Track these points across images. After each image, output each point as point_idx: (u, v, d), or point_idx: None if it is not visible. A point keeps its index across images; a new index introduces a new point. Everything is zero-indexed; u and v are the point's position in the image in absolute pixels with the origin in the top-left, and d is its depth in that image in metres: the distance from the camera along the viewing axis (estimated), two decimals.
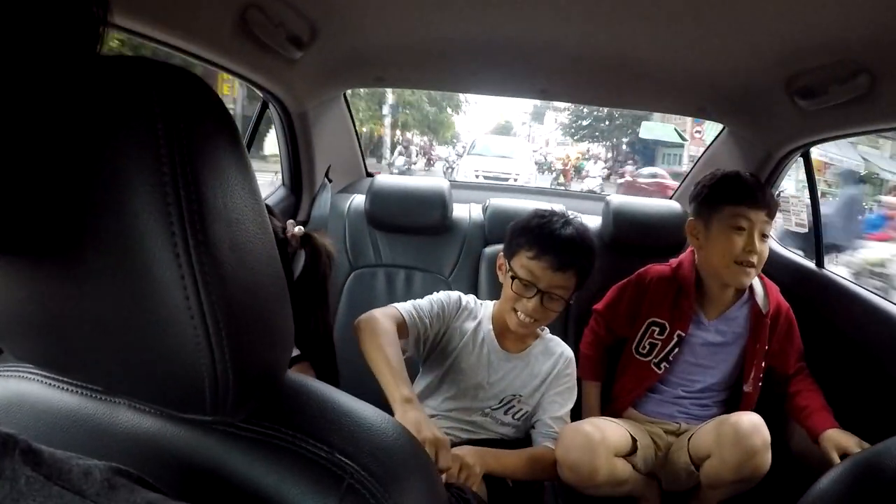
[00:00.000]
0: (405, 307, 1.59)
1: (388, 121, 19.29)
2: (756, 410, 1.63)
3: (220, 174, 0.48)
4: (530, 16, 1.48)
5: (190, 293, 0.46)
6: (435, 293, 1.68)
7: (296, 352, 1.43)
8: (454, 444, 1.55)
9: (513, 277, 1.57)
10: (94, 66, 0.45)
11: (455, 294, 1.70)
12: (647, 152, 24.20)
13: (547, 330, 1.73)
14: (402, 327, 1.55)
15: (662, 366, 1.79)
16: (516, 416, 1.65)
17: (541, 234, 1.56)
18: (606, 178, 19.09)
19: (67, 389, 0.58)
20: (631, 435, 1.65)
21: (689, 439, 1.66)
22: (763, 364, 1.78)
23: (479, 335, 1.66)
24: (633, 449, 1.65)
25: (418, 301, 1.64)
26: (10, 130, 0.41)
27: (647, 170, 18.19)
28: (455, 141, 24.70)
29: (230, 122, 0.51)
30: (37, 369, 0.60)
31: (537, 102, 27.62)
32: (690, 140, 20.76)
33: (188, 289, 0.46)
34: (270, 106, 2.03)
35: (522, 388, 1.65)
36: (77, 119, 0.44)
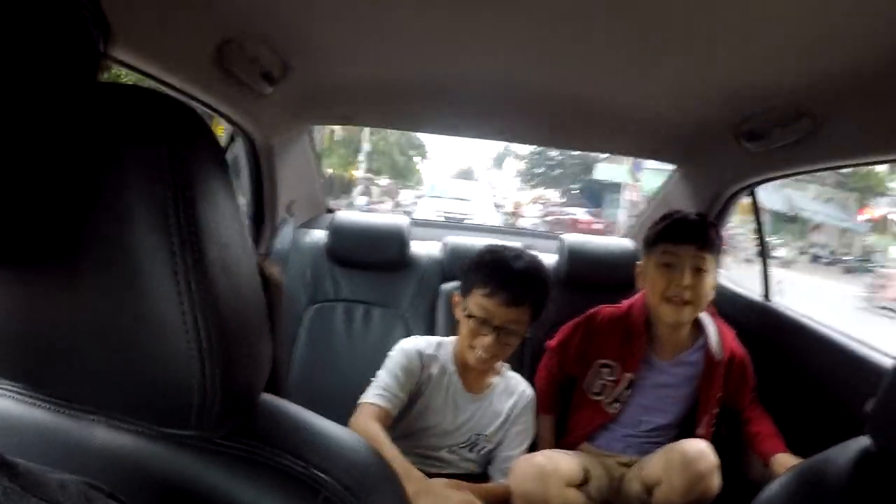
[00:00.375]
0: (378, 397, 1.58)
1: (363, 167, 20.35)
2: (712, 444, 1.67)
3: (213, 199, 0.50)
4: (492, 59, 1.53)
5: (186, 309, 0.48)
6: (393, 358, 1.67)
7: None
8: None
9: (468, 316, 1.59)
10: (102, 93, 0.48)
11: (412, 350, 1.68)
12: (594, 196, 25.44)
13: (507, 366, 1.76)
14: (384, 416, 1.56)
15: (615, 406, 1.81)
16: (480, 453, 1.68)
17: (494, 270, 1.59)
18: (543, 217, 20.80)
19: (41, 405, 0.58)
20: (583, 466, 1.67)
21: (640, 468, 1.69)
22: (716, 410, 1.81)
23: (444, 378, 1.68)
24: (586, 479, 1.66)
25: (383, 379, 1.62)
26: (14, 151, 0.43)
27: (569, 209, 20.80)
28: (419, 185, 25.53)
29: (221, 152, 0.54)
30: (8, 384, 0.60)
31: (500, 149, 30.45)
32: (628, 187, 21.55)
33: (185, 305, 0.48)
34: (237, 139, 2.04)
35: (486, 427, 1.67)
36: (83, 141, 0.47)
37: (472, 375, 1.70)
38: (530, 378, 1.99)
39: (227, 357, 0.51)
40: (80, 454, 0.57)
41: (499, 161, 34.58)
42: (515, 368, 1.92)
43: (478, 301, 1.58)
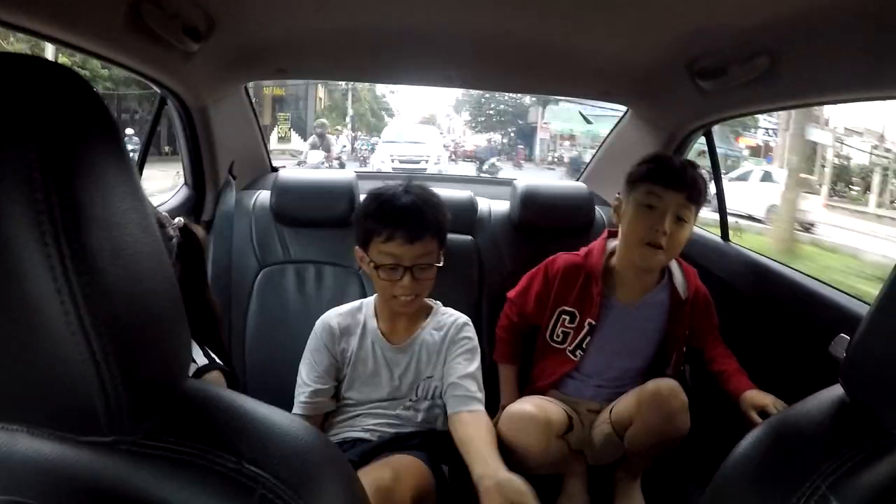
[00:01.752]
0: (301, 406, 1.61)
1: (349, 127, 25.25)
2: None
3: (98, 176, 0.44)
4: (436, 3, 1.46)
5: (69, 307, 0.42)
6: (308, 346, 1.67)
7: (203, 361, 1.37)
8: (382, 440, 1.57)
9: (376, 267, 1.56)
10: None
11: (320, 331, 1.67)
12: (526, 136, 28.03)
13: (439, 304, 1.74)
14: (316, 423, 1.61)
15: (577, 353, 1.79)
16: (435, 396, 1.65)
17: (384, 214, 1.55)
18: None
19: None
20: (567, 414, 1.68)
21: (610, 411, 1.70)
22: (683, 347, 1.82)
23: (367, 343, 1.66)
24: (570, 427, 1.67)
25: (302, 379, 1.64)
26: None
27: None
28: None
29: (109, 120, 0.47)
30: None
31: (459, 95, 32.21)
32: (540, 127, 23.82)
33: (66, 303, 0.42)
34: (169, 102, 1.92)
35: (427, 368, 1.65)
36: None
37: (402, 325, 1.67)
38: (490, 329, 2.01)
39: (128, 354, 0.46)
40: (5, 466, 0.53)
41: (458, 108, 36.28)
42: (474, 320, 1.90)
43: (380, 249, 1.55)
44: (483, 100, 29.71)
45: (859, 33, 1.19)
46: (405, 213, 1.53)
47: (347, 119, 25.26)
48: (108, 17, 1.25)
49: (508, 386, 1.85)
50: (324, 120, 13.09)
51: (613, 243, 1.80)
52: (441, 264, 1.60)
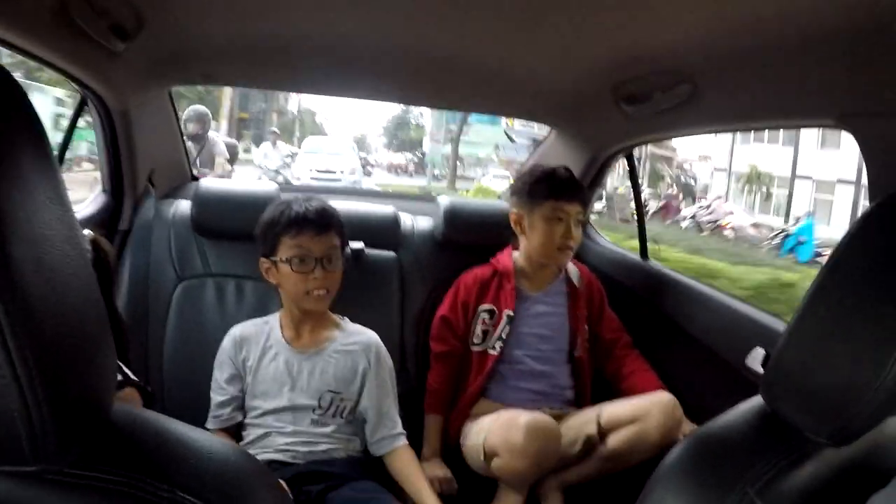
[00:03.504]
0: (213, 421, 1.67)
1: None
2: (594, 379, 1.97)
3: (23, 183, 0.42)
4: (363, 16, 1.45)
5: None
6: (216, 358, 1.72)
7: (118, 377, 1.30)
8: (296, 463, 1.58)
9: (287, 261, 1.61)
10: None
11: (226, 342, 1.72)
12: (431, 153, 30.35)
13: (346, 318, 1.77)
14: (230, 431, 1.67)
15: (497, 345, 1.92)
16: (344, 415, 1.66)
17: (292, 215, 1.64)
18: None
19: None
20: None
21: (598, 414, 1.78)
22: (586, 328, 1.99)
23: (269, 345, 1.69)
24: None
25: (213, 393, 1.70)
26: None
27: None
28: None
29: (36, 122, 0.45)
30: None
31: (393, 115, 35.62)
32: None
33: None
34: (89, 103, 1.83)
35: (334, 383, 1.65)
36: None
37: (307, 332, 1.70)
38: (411, 346, 2.06)
39: (54, 375, 0.43)
40: None
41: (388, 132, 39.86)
42: (395, 335, 1.99)
43: (289, 245, 1.62)
44: (398, 124, 36.20)
45: (779, 63, 1.26)
46: (311, 211, 1.63)
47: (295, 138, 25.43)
48: (35, 11, 1.19)
49: (434, 436, 1.90)
50: (275, 129, 13.22)
51: (516, 253, 2.02)
52: (347, 255, 1.72)
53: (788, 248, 13.61)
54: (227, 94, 22.83)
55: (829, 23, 1.06)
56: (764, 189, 20.28)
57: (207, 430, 1.63)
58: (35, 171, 0.43)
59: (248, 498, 0.56)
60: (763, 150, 20.17)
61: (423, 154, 31.04)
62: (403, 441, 1.68)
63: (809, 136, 18.67)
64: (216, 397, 1.68)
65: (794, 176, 20.01)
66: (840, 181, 18.08)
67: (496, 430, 1.71)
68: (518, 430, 1.62)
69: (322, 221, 1.64)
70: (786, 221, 17.87)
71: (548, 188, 1.89)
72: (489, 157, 24.04)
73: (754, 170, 20.74)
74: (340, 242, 1.69)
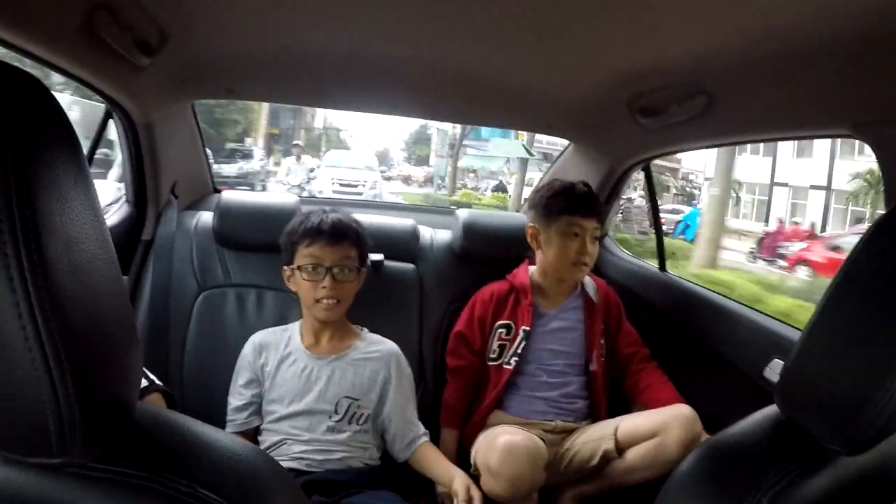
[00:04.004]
0: (230, 425, 1.70)
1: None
2: (610, 394, 1.96)
3: (58, 188, 0.43)
4: (383, 32, 1.47)
5: (26, 321, 0.41)
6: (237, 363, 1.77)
7: (144, 383, 1.33)
8: (312, 470, 1.60)
9: (300, 269, 1.69)
10: None
11: (247, 347, 1.77)
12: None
13: (366, 329, 1.80)
14: (247, 434, 1.70)
15: (512, 361, 1.92)
16: (360, 422, 1.67)
17: (309, 226, 1.70)
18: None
19: None
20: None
21: (615, 428, 1.77)
22: (602, 342, 1.98)
23: (288, 351, 1.72)
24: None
25: (230, 398, 1.74)
26: None
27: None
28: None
29: (71, 132, 0.46)
30: None
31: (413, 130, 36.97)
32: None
33: (24, 316, 0.41)
34: (114, 116, 1.87)
35: (352, 389, 1.68)
36: None
37: (326, 339, 1.74)
38: (430, 357, 2.07)
39: (83, 372, 0.45)
40: None
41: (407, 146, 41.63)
42: (414, 346, 2.00)
43: (303, 254, 1.69)
44: (415, 140, 37.90)
45: (794, 73, 1.26)
46: (327, 222, 1.69)
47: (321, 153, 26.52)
48: (62, 25, 1.22)
49: (450, 450, 1.90)
50: (300, 142, 13.00)
51: (532, 268, 2.03)
52: (360, 272, 1.74)
53: (680, 231, 16.94)
54: (264, 112, 24.40)
55: (842, 31, 1.06)
56: (734, 194, 21.56)
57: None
58: (69, 178, 0.45)
59: (267, 497, 0.57)
60: (746, 161, 21.46)
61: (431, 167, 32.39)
62: (426, 439, 1.74)
63: (786, 146, 20.68)
64: (233, 402, 1.72)
65: (772, 183, 22.33)
66: (812, 187, 20.43)
67: (482, 448, 1.73)
68: (494, 452, 1.63)
69: (336, 232, 1.68)
70: (766, 223, 20.09)
71: (564, 203, 1.90)
72: (500, 170, 24.63)
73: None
74: (359, 255, 1.72)
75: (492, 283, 2.03)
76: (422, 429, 1.76)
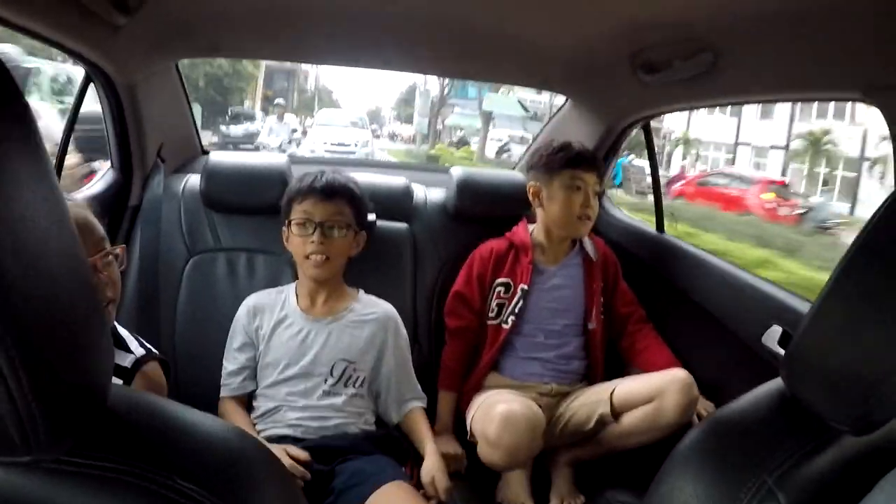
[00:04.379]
0: (225, 388, 1.70)
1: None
2: (606, 353, 1.96)
3: (5, 162, 0.40)
4: None
5: None
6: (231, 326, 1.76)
7: (140, 351, 1.31)
8: (308, 437, 1.59)
9: (291, 224, 1.69)
10: None
11: (241, 309, 1.76)
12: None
13: (361, 291, 1.79)
14: (241, 402, 1.70)
15: (509, 320, 1.92)
16: (357, 385, 1.67)
17: (303, 184, 1.70)
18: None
19: None
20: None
21: (611, 392, 1.77)
22: (601, 300, 1.98)
23: (284, 314, 1.71)
24: None
25: (225, 362, 1.73)
26: None
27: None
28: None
29: (23, 105, 0.43)
30: None
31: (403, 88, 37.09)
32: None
33: None
34: (94, 79, 1.81)
35: (348, 351, 1.67)
36: None
37: (321, 301, 1.72)
38: (423, 318, 2.06)
39: (39, 363, 0.42)
40: None
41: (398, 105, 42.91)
42: (408, 307, 1.99)
43: (296, 210, 1.69)
44: (405, 99, 38.25)
45: (804, 33, 1.22)
46: (321, 180, 1.69)
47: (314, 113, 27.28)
48: None
49: (447, 413, 1.90)
50: (280, 100, 12.63)
51: (531, 226, 2.03)
52: (359, 231, 1.73)
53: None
54: (261, 76, 25.52)
55: None
56: (694, 152, 24.54)
57: (220, 398, 1.70)
58: (16, 150, 0.42)
59: (251, 484, 0.55)
60: (714, 119, 23.49)
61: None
62: (420, 403, 1.75)
63: (752, 108, 21.54)
64: (228, 366, 1.71)
65: (737, 142, 23.78)
66: (772, 147, 22.09)
67: (478, 415, 1.73)
68: (492, 422, 1.63)
69: (327, 189, 1.67)
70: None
71: (565, 158, 1.90)
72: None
73: (684, 135, 24.49)
74: (354, 214, 1.71)
75: (490, 241, 2.01)
76: (418, 393, 1.76)
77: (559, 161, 1.90)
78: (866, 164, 18.06)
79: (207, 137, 16.98)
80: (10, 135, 0.41)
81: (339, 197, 1.68)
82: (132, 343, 1.31)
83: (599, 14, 1.51)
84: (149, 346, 1.35)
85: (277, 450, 1.50)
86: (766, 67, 1.44)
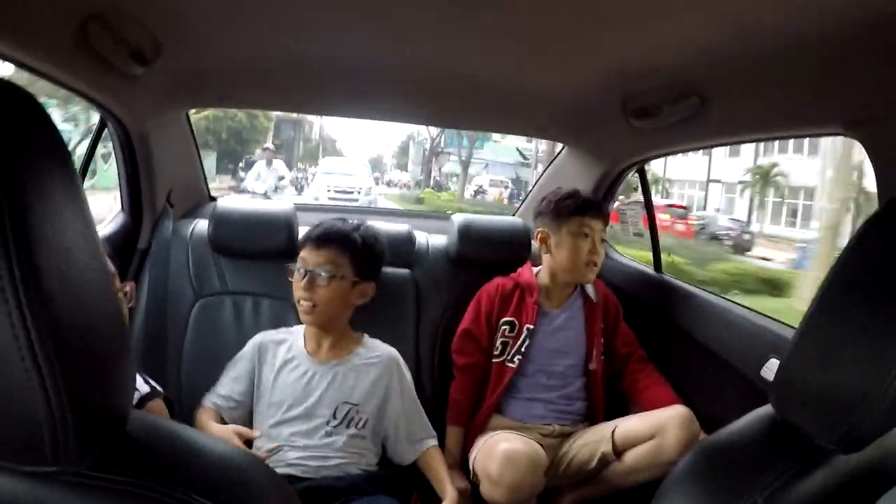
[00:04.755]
0: (207, 399, 1.74)
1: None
2: (607, 393, 1.98)
3: (48, 198, 0.43)
4: (374, 38, 1.47)
5: (19, 331, 0.41)
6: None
7: (145, 388, 1.34)
8: (308, 477, 1.59)
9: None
10: None
11: (250, 342, 1.79)
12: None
13: (366, 335, 1.80)
14: (215, 416, 1.71)
15: (516, 359, 1.94)
16: (359, 427, 1.67)
17: (308, 231, 1.75)
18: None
19: None
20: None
21: (612, 431, 1.78)
22: (602, 341, 2.00)
23: (290, 354, 1.73)
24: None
25: (217, 386, 1.76)
26: None
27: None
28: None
29: (60, 143, 0.47)
30: None
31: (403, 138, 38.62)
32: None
33: (16, 326, 0.41)
34: (108, 125, 1.87)
35: (352, 395, 1.67)
36: None
37: (326, 346, 1.74)
38: (426, 363, 2.08)
39: (75, 381, 0.45)
40: None
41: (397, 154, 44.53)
42: (411, 352, 1.99)
43: (299, 257, 1.73)
44: (403, 149, 40.33)
45: (785, 73, 1.27)
46: (319, 227, 1.73)
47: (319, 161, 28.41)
48: (56, 37, 1.22)
49: (456, 448, 1.91)
50: (270, 145, 11.96)
51: (536, 268, 2.06)
52: (353, 283, 1.70)
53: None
54: (271, 126, 26.59)
55: (832, 31, 1.07)
56: (661, 188, 25.65)
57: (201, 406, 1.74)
58: (60, 189, 0.45)
59: (259, 501, 0.58)
60: (689, 160, 25.42)
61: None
62: (433, 442, 1.77)
63: (722, 147, 22.72)
64: (219, 389, 1.75)
65: (708, 180, 26.03)
66: (740, 182, 23.91)
67: (480, 455, 1.75)
68: (494, 460, 1.64)
69: (322, 236, 1.70)
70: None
71: (574, 205, 1.94)
72: (479, 173, 27.94)
73: (654, 175, 26.20)
74: (352, 263, 1.70)
75: (496, 279, 2.05)
76: (430, 431, 1.77)
77: (568, 208, 1.94)
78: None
79: (227, 181, 20.15)
80: (52, 170, 0.45)
81: (332, 245, 1.69)
82: (138, 380, 1.34)
83: (591, 65, 1.56)
84: (154, 383, 1.38)
85: (227, 431, 1.61)
86: (751, 108, 1.49)
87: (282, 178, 9.71)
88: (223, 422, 1.70)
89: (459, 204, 19.64)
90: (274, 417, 1.66)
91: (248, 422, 1.73)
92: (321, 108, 2.47)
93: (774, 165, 22.18)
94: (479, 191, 25.52)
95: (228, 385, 1.74)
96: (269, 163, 9.66)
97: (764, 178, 22.46)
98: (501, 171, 28.02)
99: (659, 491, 0.80)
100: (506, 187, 26.22)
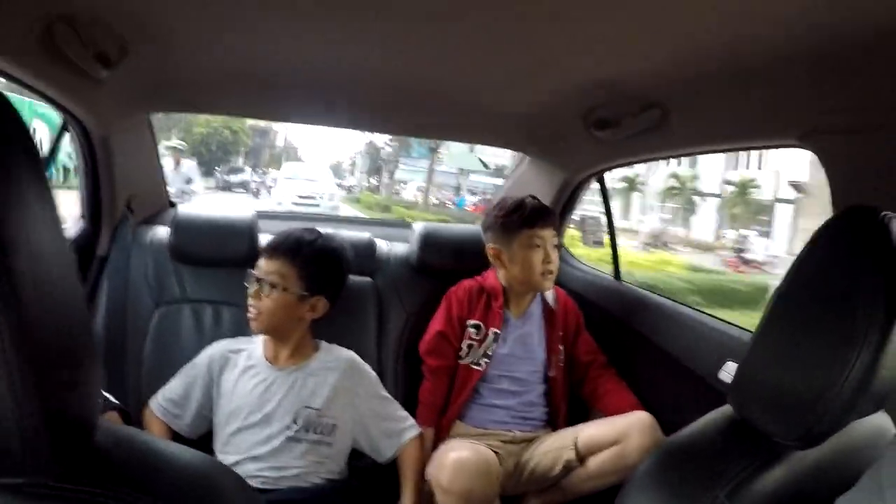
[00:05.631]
0: (153, 400, 1.75)
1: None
2: (568, 400, 2.00)
3: (21, 204, 0.43)
4: (339, 47, 1.48)
5: None
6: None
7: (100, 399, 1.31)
8: (268, 488, 1.58)
9: None
10: None
11: (201, 357, 1.78)
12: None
13: (324, 342, 1.81)
14: (159, 424, 1.72)
15: (482, 362, 1.95)
16: (325, 433, 1.67)
17: (273, 239, 1.76)
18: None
19: None
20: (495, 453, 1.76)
21: (576, 438, 1.79)
22: (561, 347, 2.02)
23: (250, 362, 1.72)
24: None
25: (164, 390, 1.77)
26: None
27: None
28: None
29: (32, 147, 0.46)
30: None
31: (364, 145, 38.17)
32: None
33: None
34: (70, 128, 1.83)
35: (312, 399, 1.67)
36: None
37: (284, 354, 1.73)
38: (390, 370, 2.08)
39: (49, 389, 0.45)
40: None
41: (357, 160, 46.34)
42: (374, 360, 2.00)
43: None
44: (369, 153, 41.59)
45: (743, 87, 1.31)
46: (282, 236, 1.74)
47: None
48: (20, 37, 1.20)
49: (427, 451, 1.88)
50: (177, 145, 9.97)
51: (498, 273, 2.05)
52: (302, 294, 1.69)
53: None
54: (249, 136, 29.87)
55: (788, 47, 1.10)
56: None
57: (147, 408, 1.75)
58: (32, 193, 0.45)
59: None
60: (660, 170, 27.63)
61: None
62: (413, 433, 1.79)
63: (685, 160, 26.29)
64: (167, 393, 1.75)
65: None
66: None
67: (433, 465, 1.74)
68: (444, 469, 1.65)
69: (273, 247, 1.72)
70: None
71: (521, 218, 1.94)
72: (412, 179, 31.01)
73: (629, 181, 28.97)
74: (300, 275, 1.69)
75: (464, 281, 2.06)
76: (408, 422, 1.80)
77: (515, 222, 1.94)
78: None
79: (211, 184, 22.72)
80: (23, 176, 0.45)
81: (280, 256, 1.69)
82: None
83: (552, 77, 1.58)
84: (107, 395, 1.35)
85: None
86: (710, 120, 1.53)
87: (189, 182, 8.76)
88: (173, 434, 1.71)
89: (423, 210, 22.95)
90: (233, 425, 1.65)
91: (198, 430, 1.73)
92: (285, 115, 2.45)
93: (752, 181, 24.34)
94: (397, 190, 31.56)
95: (177, 390, 1.74)
96: (177, 163, 8.70)
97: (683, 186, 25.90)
98: (447, 180, 31.34)
99: (622, 491, 0.82)
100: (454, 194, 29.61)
